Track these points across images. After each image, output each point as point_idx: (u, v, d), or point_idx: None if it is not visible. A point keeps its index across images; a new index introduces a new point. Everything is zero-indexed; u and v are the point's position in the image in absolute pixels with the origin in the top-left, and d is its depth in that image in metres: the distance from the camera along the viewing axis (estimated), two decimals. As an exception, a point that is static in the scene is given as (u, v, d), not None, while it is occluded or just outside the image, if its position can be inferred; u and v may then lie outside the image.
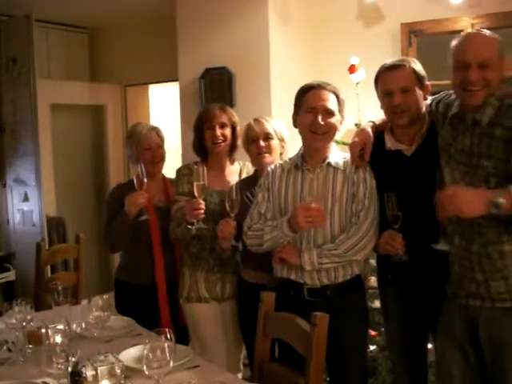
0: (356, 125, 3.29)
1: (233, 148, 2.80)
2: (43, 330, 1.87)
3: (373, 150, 2.33)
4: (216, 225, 2.54)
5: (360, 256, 2.28)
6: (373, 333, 2.95)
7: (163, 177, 3.05)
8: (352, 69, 3.41)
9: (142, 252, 2.89)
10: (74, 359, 1.79)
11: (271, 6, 3.56)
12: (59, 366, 1.76)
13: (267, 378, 2.07)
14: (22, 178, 4.49)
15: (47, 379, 1.79)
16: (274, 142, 2.64)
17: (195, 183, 2.51)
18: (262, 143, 2.62)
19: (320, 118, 2.30)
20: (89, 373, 1.77)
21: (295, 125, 2.43)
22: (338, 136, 2.54)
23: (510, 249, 1.91)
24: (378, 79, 2.28)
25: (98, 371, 1.77)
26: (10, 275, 4.49)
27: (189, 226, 2.55)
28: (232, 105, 3.64)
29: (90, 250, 4.74)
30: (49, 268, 3.94)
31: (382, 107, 2.28)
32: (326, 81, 2.41)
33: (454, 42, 2.01)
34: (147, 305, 2.82)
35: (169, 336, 1.79)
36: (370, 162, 2.34)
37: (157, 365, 1.66)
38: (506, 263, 1.92)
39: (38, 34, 4.52)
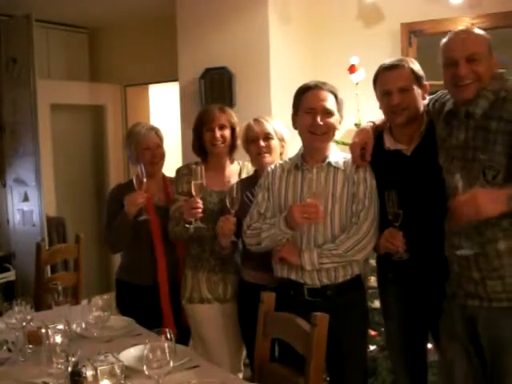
0: (356, 125, 3.28)
1: (232, 148, 2.80)
2: (43, 330, 1.87)
3: (372, 150, 2.33)
4: (215, 225, 2.54)
5: (360, 256, 2.28)
6: (373, 333, 2.95)
7: (163, 176, 3.05)
8: (352, 69, 3.41)
9: (143, 252, 2.89)
10: (73, 359, 1.80)
11: (271, 6, 3.56)
12: (59, 366, 1.76)
13: (267, 378, 2.07)
14: (22, 178, 4.49)
15: (47, 379, 1.79)
16: (274, 142, 2.64)
17: (193, 182, 2.52)
18: (262, 143, 2.62)
19: (319, 119, 2.30)
20: (89, 373, 1.77)
21: (295, 126, 2.43)
22: (337, 136, 2.54)
23: (505, 247, 1.92)
24: (376, 79, 2.29)
25: (98, 371, 1.77)
26: (10, 275, 4.49)
27: (187, 225, 2.56)
28: (232, 105, 3.65)
29: (89, 250, 4.74)
30: (49, 268, 3.94)
31: (380, 107, 2.29)
32: (326, 81, 2.41)
33: (442, 41, 2.03)
34: (149, 305, 2.82)
35: (169, 336, 1.79)
36: (369, 162, 2.34)
37: (157, 365, 1.66)
38: (503, 262, 1.92)
39: (38, 33, 4.51)
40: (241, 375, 2.77)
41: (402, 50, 3.54)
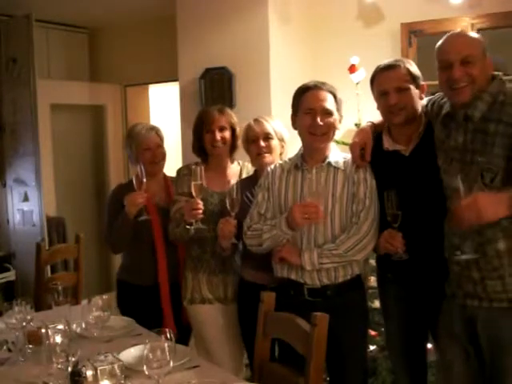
0: (356, 125, 3.29)
1: (233, 149, 2.80)
2: (43, 330, 1.88)
3: (372, 151, 2.33)
4: (216, 226, 2.54)
5: (360, 256, 2.28)
6: (373, 333, 2.95)
7: (164, 176, 3.05)
8: (352, 69, 3.41)
9: (144, 252, 2.89)
10: (73, 359, 1.80)
11: (271, 6, 3.56)
12: (59, 366, 1.76)
13: (267, 378, 2.07)
14: (22, 178, 4.49)
15: (47, 379, 1.79)
16: (274, 142, 2.64)
17: (193, 183, 2.52)
18: (262, 143, 2.62)
19: (319, 119, 2.30)
20: (89, 373, 1.77)
21: (294, 126, 2.43)
22: (337, 136, 2.55)
23: (505, 247, 1.92)
24: (373, 80, 2.29)
25: (98, 371, 1.77)
26: (10, 275, 4.49)
27: (187, 227, 2.55)
28: (232, 105, 3.65)
29: (89, 250, 4.74)
30: (49, 268, 3.94)
31: (378, 108, 2.30)
32: (326, 81, 2.41)
33: (437, 44, 2.04)
34: (150, 305, 2.82)
35: (169, 336, 1.79)
36: (369, 163, 2.34)
37: (157, 365, 1.66)
38: (503, 262, 1.92)
39: (38, 33, 4.52)
40: (241, 375, 2.77)
41: (402, 50, 3.54)
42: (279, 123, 2.70)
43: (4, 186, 4.65)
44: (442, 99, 2.20)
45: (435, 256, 2.12)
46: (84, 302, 2.84)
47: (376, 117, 2.42)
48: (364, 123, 2.54)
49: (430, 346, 2.44)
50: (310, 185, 2.33)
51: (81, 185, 5.39)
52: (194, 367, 1.99)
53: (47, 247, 4.01)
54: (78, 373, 1.76)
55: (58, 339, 1.81)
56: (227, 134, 2.75)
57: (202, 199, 2.55)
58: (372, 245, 2.28)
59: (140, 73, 5.16)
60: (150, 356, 1.66)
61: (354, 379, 2.34)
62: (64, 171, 5.09)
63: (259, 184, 2.48)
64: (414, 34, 3.54)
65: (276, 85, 3.58)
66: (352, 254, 2.26)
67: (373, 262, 2.53)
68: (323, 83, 2.37)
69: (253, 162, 2.72)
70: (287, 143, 2.70)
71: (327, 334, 1.88)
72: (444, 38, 2.04)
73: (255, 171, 2.73)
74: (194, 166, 2.59)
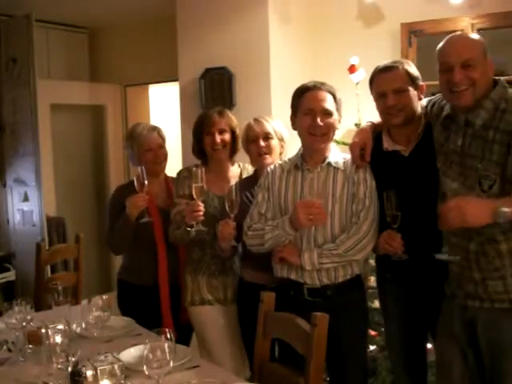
0: (356, 125, 3.29)
1: (233, 152, 2.80)
2: (43, 330, 1.87)
3: (371, 151, 2.33)
4: (216, 228, 2.54)
5: (360, 256, 2.28)
6: (373, 333, 2.95)
7: (166, 177, 3.05)
8: (352, 69, 3.41)
9: (144, 253, 2.89)
10: (73, 359, 1.79)
11: (271, 6, 3.56)
12: (59, 366, 1.76)
13: (267, 377, 2.07)
14: (22, 178, 4.49)
15: (47, 379, 1.79)
16: (274, 142, 2.65)
17: (194, 185, 2.51)
18: (262, 143, 2.62)
19: (319, 120, 2.30)
20: (89, 373, 1.77)
21: (294, 127, 2.43)
22: (338, 136, 2.55)
23: (506, 249, 1.91)
24: (372, 82, 2.29)
25: (98, 371, 1.77)
26: (10, 275, 4.49)
27: (188, 229, 2.56)
28: (232, 105, 3.65)
29: (90, 250, 4.74)
30: (49, 268, 3.94)
31: (377, 109, 2.30)
32: (326, 81, 2.41)
33: (438, 46, 2.04)
34: (150, 305, 2.82)
35: (169, 336, 1.79)
36: (368, 163, 2.34)
37: (157, 365, 1.66)
38: (504, 263, 1.92)
39: (38, 34, 4.51)
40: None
41: (401, 50, 3.54)
42: (279, 123, 2.70)
43: (4, 186, 4.65)
44: (442, 100, 2.19)
45: (434, 256, 2.12)
46: (84, 302, 2.83)
47: (376, 117, 2.42)
48: (364, 123, 2.54)
49: (429, 346, 2.45)
50: (311, 185, 2.33)
51: (81, 185, 5.39)
52: (194, 367, 1.99)
53: (47, 247, 4.01)
54: (78, 373, 1.76)
55: (58, 339, 1.81)
56: (227, 136, 2.74)
57: (203, 202, 2.55)
58: (372, 245, 2.28)
59: (140, 73, 5.16)
60: (150, 356, 1.66)
61: (353, 379, 2.34)
62: (64, 171, 5.08)
63: (259, 184, 2.48)
64: (414, 34, 3.54)
65: (276, 85, 3.58)
66: (352, 253, 2.26)
67: (372, 262, 2.53)
68: (322, 83, 2.37)
69: (252, 162, 2.72)
70: (287, 143, 2.70)
71: (327, 334, 1.88)
72: (445, 40, 2.04)
73: (255, 171, 2.73)
74: (194, 168, 2.58)
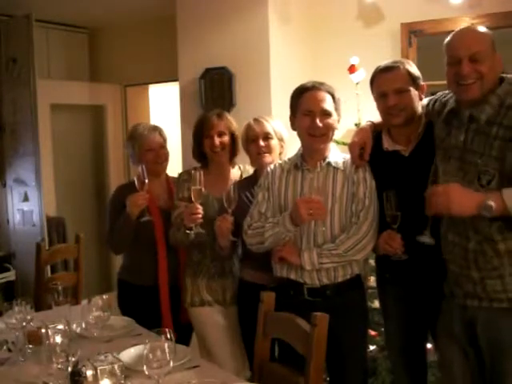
0: (356, 125, 3.29)
1: (233, 154, 2.80)
2: (43, 330, 1.87)
3: (371, 151, 2.33)
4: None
5: (360, 256, 2.28)
6: (373, 333, 2.95)
7: (167, 177, 3.05)
8: (352, 69, 3.41)
9: (145, 253, 2.89)
10: (73, 359, 1.80)
11: (271, 6, 3.56)
12: (59, 366, 1.76)
13: (267, 378, 2.07)
14: (22, 178, 4.49)
15: (47, 379, 1.79)
16: (274, 142, 2.65)
17: (192, 188, 2.53)
18: (262, 143, 2.63)
19: (318, 120, 2.30)
20: (89, 373, 1.77)
21: (293, 127, 2.43)
22: (338, 136, 2.55)
23: (504, 248, 1.91)
24: (373, 81, 2.30)
25: (98, 371, 1.77)
26: (10, 275, 4.49)
27: (187, 231, 2.56)
28: (232, 105, 3.65)
29: (90, 250, 4.74)
30: (49, 268, 3.94)
31: (377, 108, 2.29)
32: (326, 81, 2.41)
33: (446, 39, 2.03)
34: (150, 305, 2.83)
35: (169, 336, 1.79)
36: (368, 163, 2.35)
37: (157, 365, 1.66)
38: (502, 262, 1.92)
39: (38, 34, 4.51)
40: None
41: (401, 50, 3.54)
42: (279, 123, 2.70)
43: (4, 186, 4.65)
44: (444, 97, 2.19)
45: (434, 256, 2.12)
46: (84, 302, 2.83)
47: (376, 117, 2.42)
48: (364, 123, 2.54)
49: (429, 346, 2.45)
50: (311, 184, 2.33)
51: (81, 185, 5.39)
52: (194, 367, 2.00)
53: (47, 247, 4.01)
54: (78, 373, 1.76)
55: (58, 339, 1.81)
56: (226, 139, 2.75)
57: (202, 204, 2.55)
58: (371, 245, 2.28)
59: (140, 73, 5.15)
60: (150, 356, 1.66)
61: (353, 379, 2.34)
62: (64, 171, 5.08)
63: (259, 184, 2.48)
64: (414, 34, 3.53)
65: (276, 85, 3.58)
66: (352, 253, 2.26)
67: (372, 262, 2.53)
68: (321, 83, 2.36)
69: (252, 162, 2.72)
70: (287, 143, 2.70)
71: (327, 334, 1.88)
72: (454, 32, 2.03)
73: (255, 171, 2.73)
74: (193, 171, 2.60)
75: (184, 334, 2.84)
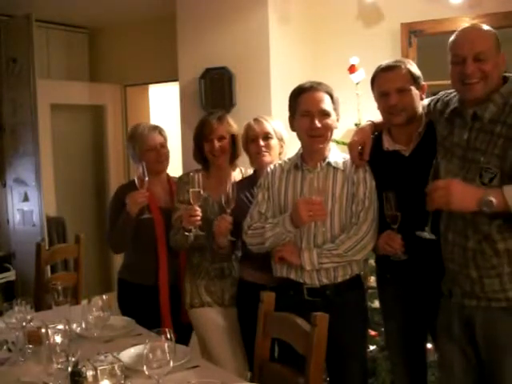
0: (356, 125, 3.28)
1: (234, 157, 2.80)
2: (43, 330, 1.87)
3: (371, 151, 2.33)
4: None
5: (360, 256, 2.28)
6: (373, 333, 2.95)
7: (168, 178, 3.05)
8: (352, 69, 3.41)
9: (145, 252, 2.90)
10: (73, 359, 1.79)
11: (271, 6, 3.56)
12: (59, 366, 1.76)
13: (267, 377, 2.07)
14: (22, 178, 4.49)
15: (47, 379, 1.79)
16: (274, 142, 2.65)
17: (191, 190, 2.53)
18: (262, 142, 2.63)
19: (316, 121, 2.30)
20: (89, 373, 1.77)
21: (292, 128, 2.43)
22: (337, 136, 2.54)
23: (503, 247, 1.91)
24: (374, 81, 2.29)
25: (98, 371, 1.77)
26: (10, 275, 4.49)
27: (186, 233, 2.56)
28: (232, 105, 3.65)
29: (90, 250, 4.74)
30: (49, 268, 3.94)
31: (378, 108, 2.29)
32: (326, 81, 2.41)
33: (451, 38, 2.03)
34: (150, 305, 2.83)
35: (169, 336, 1.79)
36: (368, 163, 2.34)
37: (157, 365, 1.67)
38: (501, 261, 1.92)
39: (38, 34, 4.51)
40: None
41: (401, 50, 3.54)
42: (279, 123, 2.70)
43: (4, 186, 4.65)
44: (446, 96, 2.19)
45: (434, 256, 2.12)
46: (84, 302, 2.83)
47: (376, 117, 2.42)
48: (364, 123, 2.54)
49: (430, 346, 2.45)
50: (311, 185, 2.33)
51: (81, 185, 5.39)
52: (194, 367, 1.99)
53: (47, 247, 4.00)
54: (78, 373, 1.76)
55: (58, 339, 1.81)
56: (226, 143, 2.74)
57: (202, 207, 2.55)
58: (371, 245, 2.28)
59: (140, 73, 5.15)
60: (150, 356, 1.66)
61: (353, 379, 2.34)
62: (64, 171, 5.08)
63: (259, 184, 2.48)
64: (414, 34, 3.53)
65: (276, 85, 3.58)
66: (352, 254, 2.26)
67: (372, 262, 2.53)
68: (319, 83, 2.36)
69: (252, 162, 2.72)
70: (286, 144, 2.70)
71: (327, 334, 1.88)
72: (458, 31, 2.03)
73: (254, 171, 2.74)
74: (191, 174, 2.60)
75: (184, 334, 2.84)
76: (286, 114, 2.46)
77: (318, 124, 2.30)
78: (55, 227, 4.69)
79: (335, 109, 2.36)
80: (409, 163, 2.25)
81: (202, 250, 2.72)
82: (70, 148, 5.24)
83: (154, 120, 5.30)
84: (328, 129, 2.33)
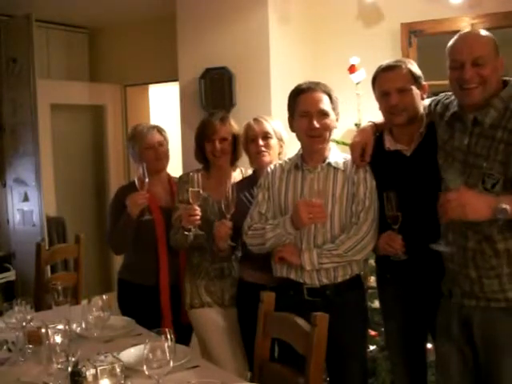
0: (356, 125, 3.29)
1: (235, 158, 2.81)
2: (43, 330, 1.87)
3: (373, 151, 2.33)
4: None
5: (360, 256, 2.28)
6: (373, 333, 2.95)
7: (169, 178, 3.05)
8: (352, 69, 3.40)
9: (146, 252, 2.90)
10: (73, 359, 1.79)
11: (271, 6, 3.56)
12: (59, 366, 1.76)
13: (267, 377, 2.07)
14: (22, 178, 4.49)
15: (47, 379, 1.79)
16: (273, 142, 2.65)
17: (190, 189, 2.53)
18: (261, 142, 2.62)
19: (315, 122, 2.30)
20: (89, 373, 1.77)
21: (292, 129, 2.43)
22: (337, 136, 2.54)
23: (503, 248, 1.92)
24: (375, 81, 2.29)
25: (98, 371, 1.77)
26: (10, 275, 4.48)
27: (185, 233, 2.56)
28: (232, 105, 3.65)
29: (90, 250, 4.74)
30: (49, 268, 3.94)
31: (379, 108, 2.29)
32: (326, 81, 2.41)
33: (449, 43, 2.03)
34: (150, 305, 2.83)
35: (169, 336, 1.79)
36: (369, 163, 2.34)
37: (157, 365, 1.67)
38: (500, 262, 1.92)
39: (38, 34, 4.51)
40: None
41: (402, 50, 3.54)
42: (279, 123, 2.70)
43: (4, 186, 4.65)
44: (446, 99, 2.19)
45: (434, 256, 2.12)
46: (84, 302, 2.83)
47: (376, 117, 2.42)
48: (364, 123, 2.54)
49: (429, 346, 2.44)
50: (311, 185, 2.33)
51: (81, 185, 5.39)
52: (194, 367, 1.99)
53: (47, 247, 4.00)
54: (78, 373, 1.76)
55: (58, 339, 1.81)
56: (227, 144, 2.74)
57: (201, 206, 2.55)
58: (372, 245, 2.28)
59: (140, 73, 5.15)
60: (150, 356, 1.66)
61: (353, 379, 2.34)
62: (64, 171, 5.08)
63: (259, 184, 2.48)
64: (414, 34, 3.53)
65: (276, 85, 3.58)
66: (352, 254, 2.26)
67: (372, 262, 2.53)
68: (317, 83, 2.36)
69: (251, 162, 2.72)
70: (286, 144, 2.70)
71: (327, 334, 1.88)
72: (456, 36, 2.03)
73: (254, 171, 2.74)
74: (191, 173, 2.60)
75: (184, 334, 2.84)
76: (286, 114, 2.46)
77: (316, 124, 2.30)
78: (55, 227, 4.69)
79: (334, 108, 2.36)
80: (410, 163, 2.25)
81: (201, 250, 2.72)
82: (70, 148, 5.23)
83: (153, 120, 5.29)
84: (327, 129, 2.33)
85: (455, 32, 2.09)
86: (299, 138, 2.40)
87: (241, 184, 2.68)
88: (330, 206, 2.30)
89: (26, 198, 4.48)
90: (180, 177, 2.88)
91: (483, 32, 2.03)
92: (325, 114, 2.32)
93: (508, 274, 1.92)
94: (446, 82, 2.07)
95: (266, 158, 2.62)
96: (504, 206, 1.78)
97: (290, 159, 2.47)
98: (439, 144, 2.13)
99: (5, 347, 2.15)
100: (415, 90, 2.21)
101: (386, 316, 2.47)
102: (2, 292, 4.33)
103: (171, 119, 5.28)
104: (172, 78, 4.27)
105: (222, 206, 2.45)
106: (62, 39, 5.28)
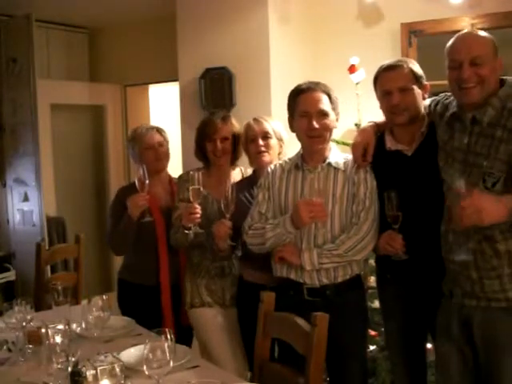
0: (356, 125, 3.29)
1: (235, 157, 2.81)
2: (43, 330, 1.87)
3: (374, 151, 2.33)
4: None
5: (360, 256, 2.28)
6: (373, 333, 2.95)
7: (170, 178, 3.05)
8: (352, 69, 3.40)
9: (146, 252, 2.90)
10: (73, 359, 1.79)
11: (271, 6, 3.56)
12: (59, 366, 1.76)
13: (267, 377, 2.07)
14: (22, 178, 4.49)
15: (47, 379, 1.79)
16: (273, 142, 2.65)
17: (190, 187, 2.53)
18: (261, 142, 2.62)
19: (315, 122, 2.30)
20: (89, 373, 1.77)
21: (292, 129, 2.43)
22: (338, 136, 2.54)
23: (504, 248, 1.92)
24: (376, 80, 2.29)
25: (98, 371, 1.77)
26: (10, 275, 4.49)
27: (186, 231, 2.56)
28: (232, 105, 3.65)
29: (90, 250, 4.74)
30: (49, 268, 3.94)
31: (381, 107, 2.29)
32: (326, 81, 2.41)
33: (448, 43, 2.03)
34: (150, 305, 2.83)
35: (169, 336, 1.79)
36: (370, 163, 2.34)
37: (157, 365, 1.67)
38: (501, 262, 1.92)
39: (38, 34, 4.51)
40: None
41: (402, 50, 3.54)
42: (279, 124, 2.70)
43: (4, 186, 4.65)
44: (446, 99, 2.19)
45: (435, 256, 2.12)
46: (84, 302, 2.83)
47: (376, 117, 2.42)
48: (364, 123, 2.54)
49: (429, 346, 2.44)
50: (312, 185, 2.33)
51: (81, 185, 5.39)
52: (194, 367, 1.99)
53: (47, 247, 4.00)
54: (78, 373, 1.76)
55: (58, 339, 1.81)
56: (228, 144, 2.74)
57: (202, 205, 2.55)
58: (372, 245, 2.28)
59: (140, 73, 5.15)
60: (150, 356, 1.66)
61: (353, 379, 2.34)
62: (64, 171, 5.08)
63: (259, 184, 2.48)
64: (414, 34, 3.53)
65: (276, 85, 3.58)
66: (352, 254, 2.26)
67: (372, 262, 2.53)
68: (317, 83, 2.36)
69: (251, 162, 2.72)
70: (286, 144, 2.70)
71: (327, 334, 1.88)
72: (455, 37, 2.03)
73: (254, 171, 2.73)
74: (191, 172, 2.61)
75: (185, 336, 2.83)
76: (286, 114, 2.46)
77: (315, 125, 2.30)
78: (55, 227, 4.69)
79: (334, 108, 2.36)
80: (411, 163, 2.25)
81: (202, 248, 2.72)
82: (70, 148, 5.23)
83: (154, 120, 5.30)
84: (326, 129, 2.33)
85: (455, 32, 2.10)
86: (299, 138, 2.40)
87: (241, 184, 2.68)
88: (330, 205, 2.30)
89: (25, 198, 4.48)
90: (180, 176, 2.88)
91: (482, 33, 2.04)
92: (325, 114, 2.32)
93: (509, 275, 1.92)
94: (446, 82, 2.07)
95: (266, 158, 2.62)
96: None
97: (290, 159, 2.47)
98: (439, 145, 2.13)
99: (5, 347, 2.15)
100: (417, 90, 2.22)
101: (386, 316, 2.47)
102: (2, 292, 4.33)
103: (171, 119, 5.28)
104: (172, 78, 4.27)
105: (222, 205, 2.46)
106: (62, 39, 5.28)
